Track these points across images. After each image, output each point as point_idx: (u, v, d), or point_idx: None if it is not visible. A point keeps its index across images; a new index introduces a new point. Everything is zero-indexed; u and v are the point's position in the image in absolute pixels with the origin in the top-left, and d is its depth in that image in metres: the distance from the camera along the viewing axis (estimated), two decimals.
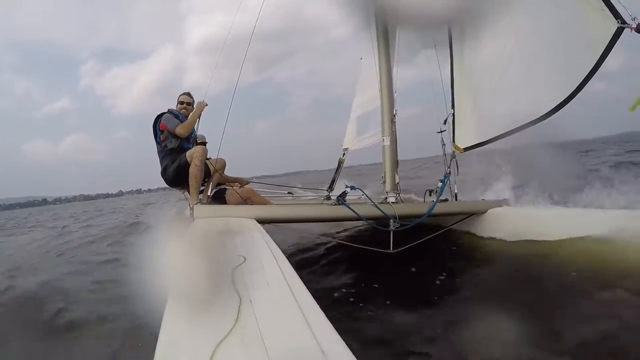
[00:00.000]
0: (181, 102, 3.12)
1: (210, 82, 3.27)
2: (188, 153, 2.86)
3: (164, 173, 3.02)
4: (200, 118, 3.04)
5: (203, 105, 3.03)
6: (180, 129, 2.91)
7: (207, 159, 2.94)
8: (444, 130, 3.52)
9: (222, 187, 3.38)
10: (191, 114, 3.02)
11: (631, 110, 2.16)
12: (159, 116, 3.04)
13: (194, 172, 2.78)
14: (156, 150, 3.05)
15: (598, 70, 2.42)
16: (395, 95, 3.34)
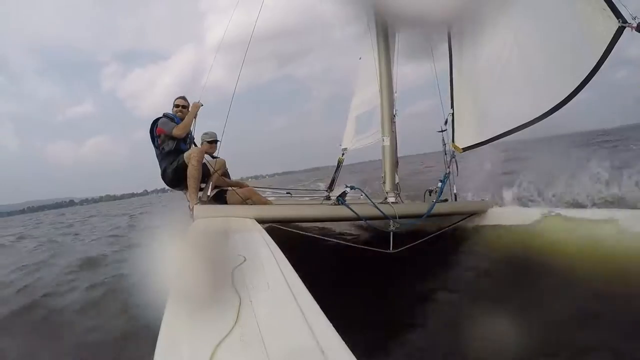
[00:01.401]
0: (177, 105, 3.21)
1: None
2: (185, 154, 2.91)
3: (163, 175, 3.07)
4: (197, 118, 3.11)
5: (198, 105, 3.12)
6: (177, 130, 2.99)
7: (214, 157, 2.97)
8: (445, 130, 3.52)
9: (223, 188, 3.37)
10: (187, 115, 3.10)
11: None
12: (155, 122, 3.10)
13: (192, 172, 2.82)
14: (155, 154, 3.11)
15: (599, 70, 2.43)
16: (395, 95, 3.34)
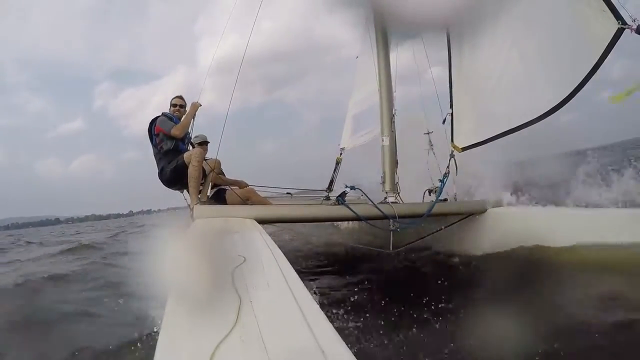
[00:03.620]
0: (174, 105, 3.20)
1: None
2: (186, 155, 2.92)
3: (160, 174, 3.07)
4: (195, 119, 3.11)
5: (197, 105, 3.11)
6: (176, 130, 2.98)
7: (205, 159, 2.98)
8: (432, 132, 3.54)
9: (222, 187, 3.38)
10: (185, 115, 3.10)
11: (612, 102, 2.17)
12: (154, 120, 3.09)
13: (192, 172, 2.82)
14: (152, 153, 3.11)
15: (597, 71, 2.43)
16: (394, 94, 3.34)
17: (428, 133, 3.53)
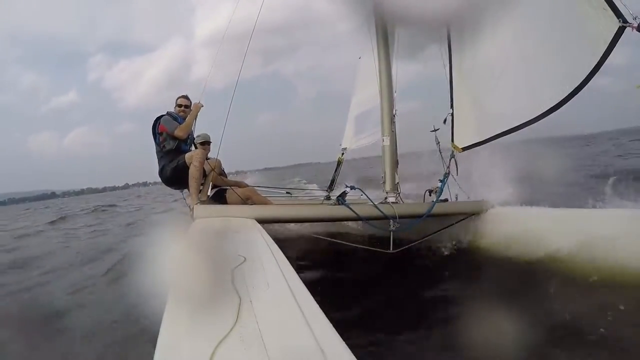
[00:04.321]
0: (179, 105, 3.21)
1: (209, 75, 3.25)
2: (187, 156, 2.93)
3: (161, 172, 3.10)
4: (197, 119, 3.12)
5: (199, 106, 3.14)
6: (179, 132, 3.01)
7: (207, 159, 3.00)
8: (438, 129, 3.51)
9: (222, 187, 3.38)
10: (188, 116, 3.12)
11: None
12: (158, 118, 3.12)
13: (193, 173, 2.84)
14: (154, 150, 3.14)
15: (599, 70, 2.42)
16: (395, 94, 3.34)
17: (434, 130, 3.51)
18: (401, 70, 3.46)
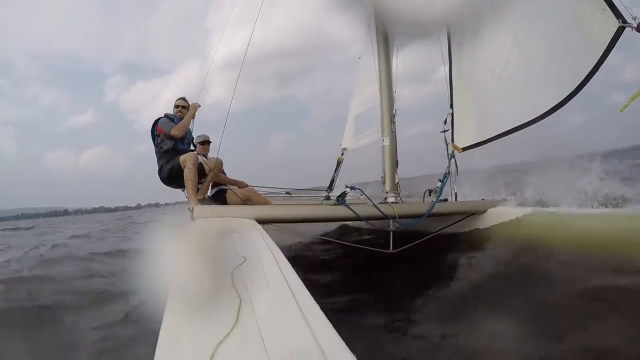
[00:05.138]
0: (177, 106, 3.28)
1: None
2: (181, 158, 2.98)
3: (159, 172, 3.15)
4: (195, 119, 3.18)
5: (196, 106, 3.20)
6: (175, 131, 3.06)
7: (208, 158, 3.01)
8: (447, 130, 3.52)
9: (222, 187, 3.39)
10: (185, 115, 3.17)
11: (622, 110, 2.17)
12: (156, 121, 3.17)
13: (188, 175, 2.88)
14: (154, 151, 3.19)
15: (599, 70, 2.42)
16: (395, 95, 3.34)
17: (444, 131, 3.52)
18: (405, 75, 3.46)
